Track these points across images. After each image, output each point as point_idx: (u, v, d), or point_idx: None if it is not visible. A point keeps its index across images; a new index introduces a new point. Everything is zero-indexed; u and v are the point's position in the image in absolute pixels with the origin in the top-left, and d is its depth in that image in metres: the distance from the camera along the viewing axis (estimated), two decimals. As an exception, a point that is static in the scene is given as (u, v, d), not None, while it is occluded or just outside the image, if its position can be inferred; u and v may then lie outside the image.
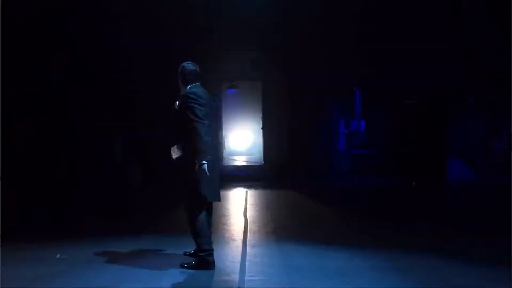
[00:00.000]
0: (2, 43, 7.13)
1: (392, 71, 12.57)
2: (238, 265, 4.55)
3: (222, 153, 4.53)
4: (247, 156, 17.48)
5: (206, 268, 4.33)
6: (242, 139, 18.34)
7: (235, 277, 4.22)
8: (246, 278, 4.16)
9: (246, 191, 10.06)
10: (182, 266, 4.43)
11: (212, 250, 4.42)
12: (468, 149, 12.83)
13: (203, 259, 4.35)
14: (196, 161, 4.18)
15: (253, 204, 8.56)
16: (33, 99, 9.53)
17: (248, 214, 7.43)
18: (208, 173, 4.18)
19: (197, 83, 4.51)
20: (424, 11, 11.49)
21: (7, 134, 8.05)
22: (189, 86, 4.47)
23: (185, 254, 4.63)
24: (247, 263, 4.61)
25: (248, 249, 5.16)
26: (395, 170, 12.93)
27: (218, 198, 4.52)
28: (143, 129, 12.34)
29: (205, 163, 4.16)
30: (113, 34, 10.94)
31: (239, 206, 8.18)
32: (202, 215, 4.36)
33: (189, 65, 4.58)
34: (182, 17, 11.57)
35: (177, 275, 4.23)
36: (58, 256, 4.89)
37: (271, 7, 11.79)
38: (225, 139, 4.14)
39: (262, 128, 15.23)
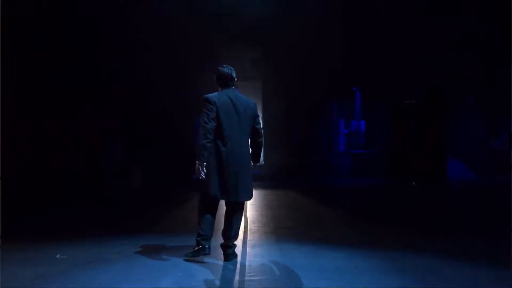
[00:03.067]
0: (3, 37, 7.12)
1: (392, 71, 12.58)
2: (238, 265, 4.55)
3: (257, 154, 4.66)
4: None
5: (202, 254, 4.58)
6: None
7: (235, 277, 4.22)
8: (246, 278, 4.16)
9: (246, 191, 10.04)
10: (185, 259, 4.64)
11: (207, 235, 4.59)
12: (468, 149, 12.84)
13: (199, 243, 4.58)
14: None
15: (253, 204, 8.56)
16: (33, 98, 9.53)
17: (248, 214, 7.43)
18: (202, 173, 4.42)
19: (228, 87, 4.68)
20: (425, 11, 11.49)
21: (7, 134, 8.05)
22: (220, 90, 4.67)
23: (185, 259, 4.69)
24: (247, 263, 4.61)
25: (248, 249, 5.16)
26: (395, 170, 12.94)
27: (220, 195, 4.54)
28: (144, 129, 12.35)
29: (198, 163, 4.43)
30: (113, 33, 10.93)
31: (239, 206, 8.16)
32: (207, 204, 4.65)
33: (222, 69, 4.72)
34: (181, 18, 11.57)
35: (177, 275, 4.23)
36: (58, 256, 4.89)
37: (271, 7, 11.79)
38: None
39: (262, 128, 15.23)
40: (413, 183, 11.68)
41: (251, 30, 12.75)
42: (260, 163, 5.05)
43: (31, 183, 9.04)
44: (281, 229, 6.34)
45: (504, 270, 4.23)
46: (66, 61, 10.14)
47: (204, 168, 4.45)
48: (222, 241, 4.72)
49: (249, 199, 4.77)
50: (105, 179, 11.11)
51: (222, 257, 4.69)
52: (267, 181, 12.14)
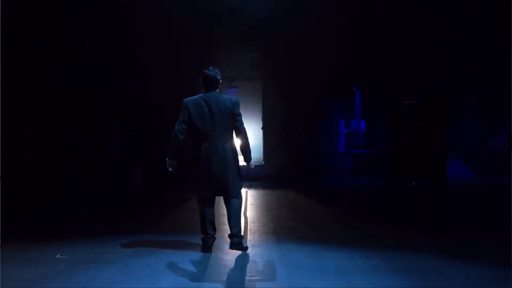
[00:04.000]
0: (3, 37, 7.12)
1: (392, 71, 12.57)
2: (238, 265, 4.56)
3: (245, 154, 4.99)
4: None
5: (202, 251, 4.92)
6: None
7: (235, 277, 4.22)
8: (246, 278, 4.17)
9: (246, 191, 10.05)
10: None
11: (207, 237, 4.90)
12: (468, 149, 12.83)
13: (202, 241, 4.96)
14: None
15: (253, 204, 8.56)
16: (33, 98, 9.53)
17: (248, 214, 7.43)
18: (170, 170, 4.88)
19: (212, 89, 4.84)
20: (424, 11, 11.48)
21: (7, 134, 8.05)
22: (203, 92, 4.86)
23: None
24: (247, 263, 4.61)
25: (248, 249, 5.15)
26: (395, 170, 12.93)
27: (203, 195, 4.86)
28: (144, 129, 12.34)
29: (167, 160, 4.89)
30: (113, 33, 10.93)
31: (239, 206, 8.16)
32: (201, 205, 4.93)
33: (207, 71, 4.87)
34: (182, 18, 11.56)
35: (177, 275, 4.23)
36: (58, 256, 4.89)
37: (271, 7, 11.78)
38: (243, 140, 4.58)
39: (262, 128, 15.23)
40: (413, 183, 11.68)
41: (251, 30, 12.73)
42: (251, 166, 5.06)
43: (31, 183, 9.04)
44: (281, 229, 6.34)
45: (504, 270, 4.23)
46: (66, 61, 10.13)
47: (175, 165, 4.87)
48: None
49: (228, 195, 4.86)
50: (105, 179, 11.11)
51: (222, 256, 4.71)
52: (267, 181, 12.13)
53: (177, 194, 10.06)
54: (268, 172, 13.58)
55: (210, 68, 4.89)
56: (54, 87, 9.94)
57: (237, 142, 4.93)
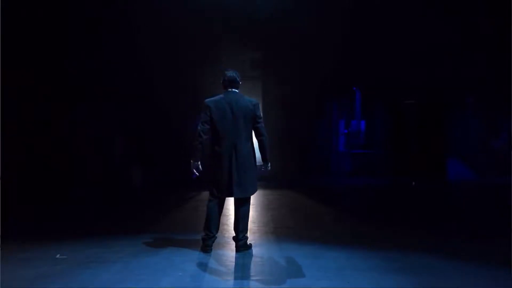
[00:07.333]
0: (3, 37, 7.12)
1: (392, 71, 12.57)
2: (238, 265, 4.56)
3: (263, 155, 4.94)
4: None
5: (202, 250, 4.92)
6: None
7: (235, 277, 4.22)
8: (246, 277, 4.17)
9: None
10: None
11: (208, 236, 4.87)
12: (468, 149, 12.84)
13: (202, 240, 4.93)
14: None
15: (253, 204, 8.52)
16: (33, 98, 9.53)
17: (248, 214, 7.42)
18: (194, 171, 4.83)
19: (231, 89, 4.99)
20: (425, 11, 11.48)
21: (7, 134, 8.05)
22: (224, 92, 4.98)
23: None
24: (247, 263, 4.61)
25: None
26: (395, 170, 12.94)
27: (217, 192, 4.86)
28: (144, 129, 12.35)
29: (192, 162, 4.82)
30: (113, 33, 10.93)
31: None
32: (211, 203, 4.91)
33: (227, 72, 5.02)
34: (182, 18, 11.56)
35: (177, 275, 4.23)
36: (58, 256, 4.89)
37: (271, 7, 11.78)
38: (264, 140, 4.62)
39: (263, 127, 15.22)
40: (413, 183, 11.68)
41: (251, 30, 12.73)
42: (268, 168, 5.13)
43: (31, 183, 9.04)
44: (281, 229, 6.34)
45: (504, 270, 4.24)
46: (66, 61, 10.13)
47: (200, 167, 4.83)
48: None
49: (244, 196, 4.93)
50: (105, 179, 11.11)
51: (222, 257, 4.72)
52: (267, 181, 12.13)
53: (177, 194, 10.07)
54: (268, 172, 13.58)
55: (229, 69, 5.04)
56: (54, 86, 9.95)
57: (257, 143, 5.06)
